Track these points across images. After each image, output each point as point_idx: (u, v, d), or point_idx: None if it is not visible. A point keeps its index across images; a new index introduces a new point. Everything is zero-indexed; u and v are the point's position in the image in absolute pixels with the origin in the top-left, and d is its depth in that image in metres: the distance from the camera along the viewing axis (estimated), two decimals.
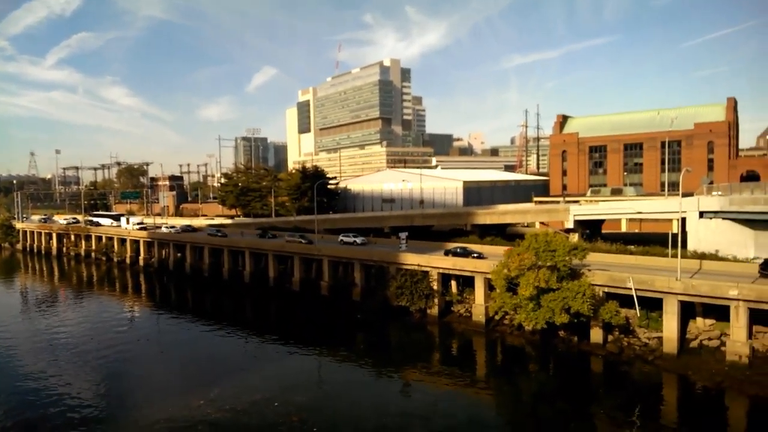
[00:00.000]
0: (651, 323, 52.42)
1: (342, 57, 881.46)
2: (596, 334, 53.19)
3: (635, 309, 52.60)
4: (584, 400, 45.14)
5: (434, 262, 67.75)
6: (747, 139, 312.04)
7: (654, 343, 51.10)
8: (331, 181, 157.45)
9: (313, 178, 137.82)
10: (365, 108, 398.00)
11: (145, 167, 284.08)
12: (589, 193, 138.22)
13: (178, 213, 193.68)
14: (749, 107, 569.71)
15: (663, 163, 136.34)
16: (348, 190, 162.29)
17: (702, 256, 62.13)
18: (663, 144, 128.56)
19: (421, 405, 44.44)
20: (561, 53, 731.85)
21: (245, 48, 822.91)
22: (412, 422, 40.76)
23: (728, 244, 64.40)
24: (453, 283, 68.23)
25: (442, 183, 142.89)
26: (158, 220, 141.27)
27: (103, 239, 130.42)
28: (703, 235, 67.48)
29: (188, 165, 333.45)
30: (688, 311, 51.00)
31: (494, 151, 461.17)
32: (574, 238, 78.81)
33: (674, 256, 52.33)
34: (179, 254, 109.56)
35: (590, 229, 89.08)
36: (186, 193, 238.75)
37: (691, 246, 66.58)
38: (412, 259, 69.52)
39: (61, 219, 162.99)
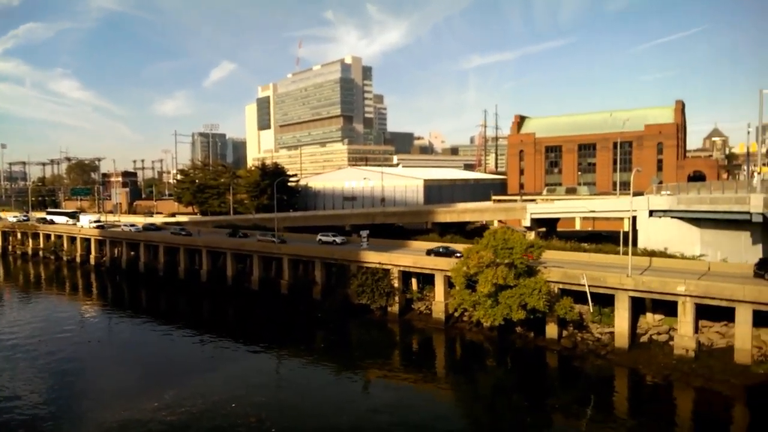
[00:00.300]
0: (603, 319, 54.11)
1: (302, 54, 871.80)
2: (552, 330, 54.54)
3: (588, 305, 54.15)
4: (540, 394, 46.30)
5: (395, 260, 67.96)
6: (694, 140, 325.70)
7: (606, 338, 52.75)
8: (291, 179, 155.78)
9: (273, 176, 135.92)
10: (326, 105, 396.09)
11: (96, 163, 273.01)
12: (545, 192, 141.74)
13: (132, 210, 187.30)
14: (696, 110, 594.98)
15: (615, 163, 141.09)
16: (309, 188, 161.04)
17: (652, 254, 64.31)
18: (615, 144, 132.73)
19: (381, 402, 44.49)
20: (518, 55, 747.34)
21: (203, 42, 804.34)
22: (372, 419, 40.81)
23: (676, 241, 66.90)
24: (413, 281, 68.64)
25: (403, 181, 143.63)
26: (110, 218, 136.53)
27: (52, 237, 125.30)
28: (652, 233, 69.90)
29: (142, 161, 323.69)
30: (638, 307, 52.88)
31: (454, 150, 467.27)
32: (531, 235, 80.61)
33: (625, 253, 54.14)
34: (132, 253, 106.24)
35: (546, 227, 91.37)
36: (140, 189, 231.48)
37: (642, 243, 68.90)
38: (373, 257, 69.54)
39: (9, 216, 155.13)
